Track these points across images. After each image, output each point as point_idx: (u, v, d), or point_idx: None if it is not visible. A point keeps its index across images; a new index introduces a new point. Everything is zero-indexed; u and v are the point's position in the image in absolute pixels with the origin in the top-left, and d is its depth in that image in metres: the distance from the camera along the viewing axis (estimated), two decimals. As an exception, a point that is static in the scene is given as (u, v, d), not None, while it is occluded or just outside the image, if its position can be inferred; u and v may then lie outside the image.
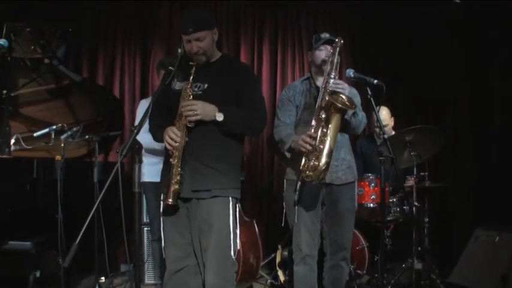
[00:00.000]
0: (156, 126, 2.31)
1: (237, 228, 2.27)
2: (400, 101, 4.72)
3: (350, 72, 2.47)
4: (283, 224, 2.76)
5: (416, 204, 3.32)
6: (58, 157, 3.08)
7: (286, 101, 2.71)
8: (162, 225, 2.32)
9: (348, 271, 2.79)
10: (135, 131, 2.07)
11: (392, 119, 3.93)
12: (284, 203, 2.71)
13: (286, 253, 3.41)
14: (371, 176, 3.45)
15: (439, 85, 4.81)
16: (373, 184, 3.41)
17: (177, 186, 2.14)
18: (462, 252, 3.56)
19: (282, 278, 3.50)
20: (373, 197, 3.40)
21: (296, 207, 2.57)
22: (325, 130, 2.34)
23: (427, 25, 4.67)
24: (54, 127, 3.18)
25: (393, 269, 3.60)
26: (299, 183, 2.49)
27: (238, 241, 2.26)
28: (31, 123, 3.52)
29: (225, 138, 2.24)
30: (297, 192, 2.52)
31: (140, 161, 2.36)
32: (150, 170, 3.26)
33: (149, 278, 3.75)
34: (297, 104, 2.69)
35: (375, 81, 2.37)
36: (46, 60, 3.28)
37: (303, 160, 2.38)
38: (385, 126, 3.48)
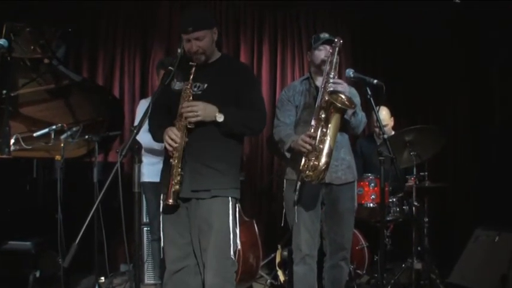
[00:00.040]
0: (156, 126, 2.31)
1: (236, 228, 2.27)
2: (400, 101, 4.72)
3: (350, 72, 2.47)
4: (282, 224, 2.77)
5: (416, 204, 3.32)
6: (58, 157, 3.07)
7: (285, 101, 2.71)
8: (161, 225, 2.32)
9: (348, 271, 2.79)
10: (135, 131, 2.07)
11: (392, 119, 3.93)
12: (284, 203, 2.71)
13: (286, 253, 3.40)
14: (371, 176, 3.45)
15: (439, 85, 4.81)
16: (372, 184, 3.41)
17: (177, 187, 2.14)
18: (462, 252, 3.55)
19: (281, 278, 3.50)
20: (372, 196, 3.40)
21: (296, 207, 2.56)
22: (324, 130, 2.34)
23: (427, 25, 4.67)
24: (54, 127, 3.18)
25: (393, 269, 3.60)
26: (299, 183, 2.49)
27: (238, 241, 2.26)
28: (31, 123, 3.52)
29: (225, 139, 2.24)
30: (297, 192, 2.52)
31: (140, 161, 2.36)
32: (149, 170, 3.27)
33: (149, 278, 3.75)
34: (296, 104, 2.69)
35: (375, 81, 2.37)
36: (46, 60, 3.27)
37: (303, 160, 2.37)
38: (384, 126, 3.49)
